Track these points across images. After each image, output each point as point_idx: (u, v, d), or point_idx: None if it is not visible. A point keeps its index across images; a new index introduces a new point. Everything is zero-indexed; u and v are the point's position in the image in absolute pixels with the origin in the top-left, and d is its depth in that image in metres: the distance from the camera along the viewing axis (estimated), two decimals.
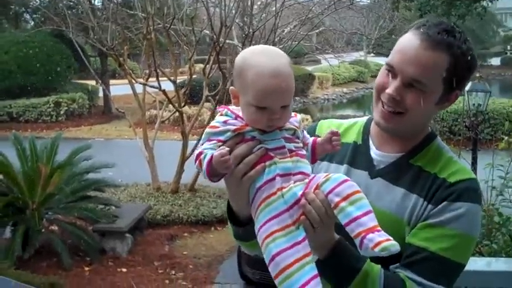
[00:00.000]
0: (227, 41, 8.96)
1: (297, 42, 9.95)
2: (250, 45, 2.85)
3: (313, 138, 1.41)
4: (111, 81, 19.42)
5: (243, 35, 8.87)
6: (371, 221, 1.19)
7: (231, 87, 1.35)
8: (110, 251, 6.76)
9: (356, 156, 1.54)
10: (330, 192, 1.23)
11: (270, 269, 1.22)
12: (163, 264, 6.65)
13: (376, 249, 1.15)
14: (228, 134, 1.31)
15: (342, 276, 1.31)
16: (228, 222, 1.44)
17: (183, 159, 8.98)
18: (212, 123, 1.34)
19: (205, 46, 17.15)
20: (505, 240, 3.61)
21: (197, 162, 1.30)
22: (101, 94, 19.68)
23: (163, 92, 8.79)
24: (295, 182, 1.28)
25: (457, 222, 1.34)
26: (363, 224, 1.18)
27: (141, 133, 9.37)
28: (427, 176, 1.40)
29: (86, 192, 7.03)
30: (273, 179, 1.27)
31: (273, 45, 9.88)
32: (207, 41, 14.33)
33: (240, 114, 1.33)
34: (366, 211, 1.20)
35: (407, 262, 1.34)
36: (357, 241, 1.18)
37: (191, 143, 9.18)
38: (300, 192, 1.26)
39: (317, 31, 12.45)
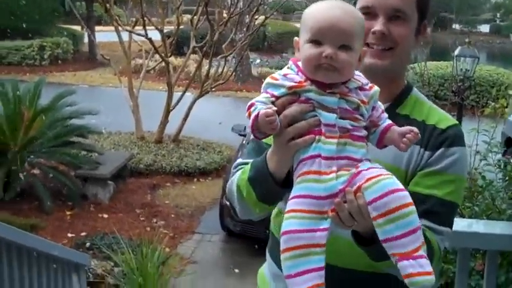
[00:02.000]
0: None
1: None
2: None
3: (388, 123, 1.28)
4: (97, 28, 18.89)
5: None
6: (411, 243, 1.10)
7: (296, 38, 1.28)
8: (91, 197, 6.73)
9: None
10: (370, 202, 1.12)
11: (280, 240, 1.16)
12: (145, 212, 6.66)
13: (406, 280, 1.09)
14: (283, 90, 1.23)
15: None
16: (249, 183, 1.36)
17: (168, 109, 8.87)
18: (274, 74, 1.27)
19: None
20: (487, 204, 3.63)
21: (247, 112, 1.23)
22: (86, 40, 19.27)
23: (150, 40, 8.57)
24: (338, 169, 1.18)
25: (455, 166, 1.40)
26: (400, 246, 1.10)
27: (126, 81, 9.19)
28: (416, 124, 1.41)
29: (68, 138, 6.93)
30: (317, 156, 1.19)
31: None
32: None
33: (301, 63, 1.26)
34: (408, 231, 1.11)
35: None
36: (392, 259, 1.12)
37: (176, 94, 9.06)
38: (341, 187, 1.16)
39: None
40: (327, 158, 1.18)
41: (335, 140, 1.19)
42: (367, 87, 1.26)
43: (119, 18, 9.55)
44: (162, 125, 8.87)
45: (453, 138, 1.42)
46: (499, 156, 4.55)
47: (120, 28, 9.01)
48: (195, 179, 7.88)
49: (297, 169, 1.22)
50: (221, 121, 10.37)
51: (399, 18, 1.43)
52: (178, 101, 8.96)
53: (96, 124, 7.57)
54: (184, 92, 9.16)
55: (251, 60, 18.89)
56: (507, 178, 3.94)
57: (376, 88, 1.27)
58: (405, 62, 1.53)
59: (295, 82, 1.23)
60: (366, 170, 1.17)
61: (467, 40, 8.45)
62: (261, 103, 1.22)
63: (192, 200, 7.18)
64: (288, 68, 1.28)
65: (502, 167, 4.00)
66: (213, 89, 9.46)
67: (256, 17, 10.82)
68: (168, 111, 8.87)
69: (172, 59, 10.44)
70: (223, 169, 8.02)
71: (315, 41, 1.21)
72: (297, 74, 1.24)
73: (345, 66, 1.20)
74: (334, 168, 1.18)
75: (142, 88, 9.46)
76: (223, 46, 9.62)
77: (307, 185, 1.18)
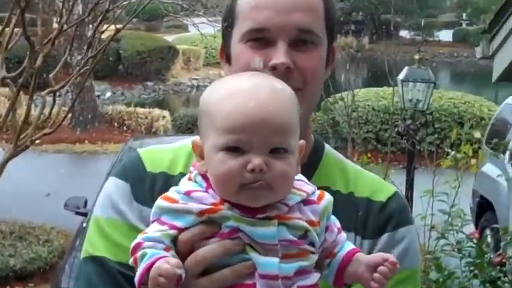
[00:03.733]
0: None
1: None
2: None
3: (349, 249, 1.34)
4: None
5: None
6: None
7: (194, 139, 1.36)
8: None
9: None
10: None
11: None
12: None
13: None
14: (190, 218, 1.25)
15: None
16: None
17: None
18: (168, 193, 1.30)
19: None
20: None
21: (132, 258, 1.26)
22: None
23: None
24: None
25: (408, 257, 1.51)
26: None
27: None
28: (343, 199, 1.50)
29: None
30: None
31: None
32: None
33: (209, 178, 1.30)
34: None
35: None
36: None
37: None
38: None
39: None
40: None
41: None
42: (314, 197, 1.31)
43: None
44: None
45: (398, 215, 1.52)
46: (467, 230, 4.79)
47: None
48: (8, 287, 7.65)
49: None
50: (49, 192, 10.34)
51: (306, 43, 1.49)
52: None
53: None
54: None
55: (97, 93, 18.77)
56: (474, 267, 4.06)
57: (327, 198, 1.32)
58: (314, 107, 1.62)
59: (208, 204, 1.25)
60: None
61: (417, 56, 8.89)
62: (155, 242, 1.24)
63: None
64: (189, 180, 1.31)
65: (467, 249, 4.16)
66: (37, 142, 9.22)
67: (104, 27, 10.78)
68: None
69: None
70: (52, 269, 7.84)
71: (233, 148, 1.24)
72: (206, 191, 1.27)
73: (281, 180, 1.25)
74: None
75: None
76: (51, 75, 9.44)
77: None
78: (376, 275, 1.27)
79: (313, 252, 1.27)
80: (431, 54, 27.14)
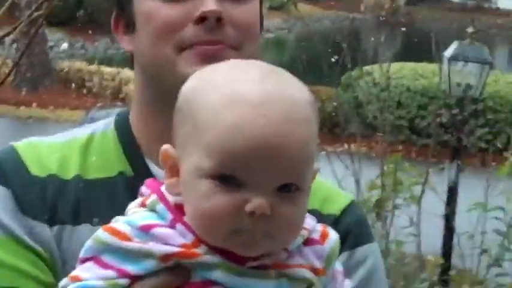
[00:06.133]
0: None
1: None
2: None
3: None
4: None
5: None
6: None
7: (165, 147, 1.31)
8: None
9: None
10: None
11: None
12: None
13: None
14: (150, 263, 1.22)
15: None
16: None
17: None
18: (116, 224, 1.27)
19: None
20: None
21: None
22: None
23: None
24: None
25: (373, 282, 1.60)
26: None
27: None
28: None
29: None
30: None
31: None
32: None
33: (184, 209, 1.25)
34: None
35: None
36: None
37: None
38: None
39: None
40: None
41: None
42: (316, 236, 1.31)
43: None
44: None
45: (357, 231, 1.60)
46: None
47: None
48: None
49: None
50: None
51: None
52: None
53: None
54: None
55: (51, 44, 18.71)
56: None
57: (333, 237, 1.33)
58: None
59: (176, 246, 1.21)
60: None
61: (470, 30, 8.76)
62: None
63: None
64: (142, 206, 1.28)
65: None
66: None
67: None
68: None
69: None
70: None
71: (227, 178, 1.18)
72: (172, 227, 1.23)
73: (288, 228, 1.23)
74: None
75: None
76: None
77: None
78: None
79: None
80: (487, 25, 26.72)
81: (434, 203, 5.73)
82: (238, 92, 1.23)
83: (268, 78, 1.26)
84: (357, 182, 5.23)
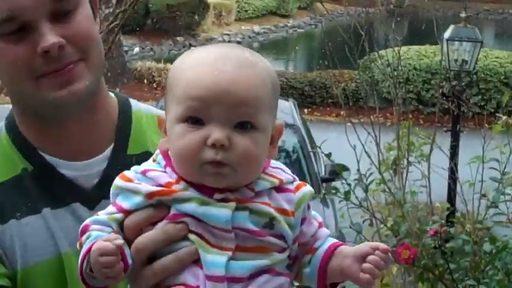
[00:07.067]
0: None
1: None
2: None
3: (331, 243, 1.25)
4: None
5: None
6: None
7: (159, 113, 1.37)
8: None
9: (41, 194, 1.49)
10: None
11: None
12: None
13: None
14: (138, 199, 1.21)
15: None
16: None
17: None
18: (126, 172, 1.27)
19: None
20: (499, 281, 3.62)
21: (78, 242, 1.21)
22: None
23: None
24: None
25: None
26: None
27: None
28: None
29: None
30: None
31: None
32: None
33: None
34: None
35: None
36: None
37: None
38: None
39: None
40: None
41: None
42: (291, 186, 1.25)
43: None
44: None
45: None
46: None
47: None
48: None
49: None
50: None
51: (67, 12, 1.39)
52: None
53: None
54: None
55: (126, 49, 18.72)
56: None
57: (307, 189, 1.26)
58: (102, 66, 1.54)
59: (162, 184, 1.21)
60: None
61: (463, 14, 8.68)
62: (102, 226, 1.19)
63: None
64: (153, 160, 1.28)
65: None
66: None
67: None
68: None
69: None
70: None
71: (193, 119, 1.19)
72: (164, 171, 1.23)
73: (245, 159, 1.19)
74: None
75: None
76: None
77: None
78: (365, 264, 1.17)
79: (281, 250, 1.21)
80: (475, 11, 26.20)
81: (440, 159, 5.70)
82: (200, 56, 1.25)
83: (231, 46, 1.30)
84: (377, 145, 5.22)
